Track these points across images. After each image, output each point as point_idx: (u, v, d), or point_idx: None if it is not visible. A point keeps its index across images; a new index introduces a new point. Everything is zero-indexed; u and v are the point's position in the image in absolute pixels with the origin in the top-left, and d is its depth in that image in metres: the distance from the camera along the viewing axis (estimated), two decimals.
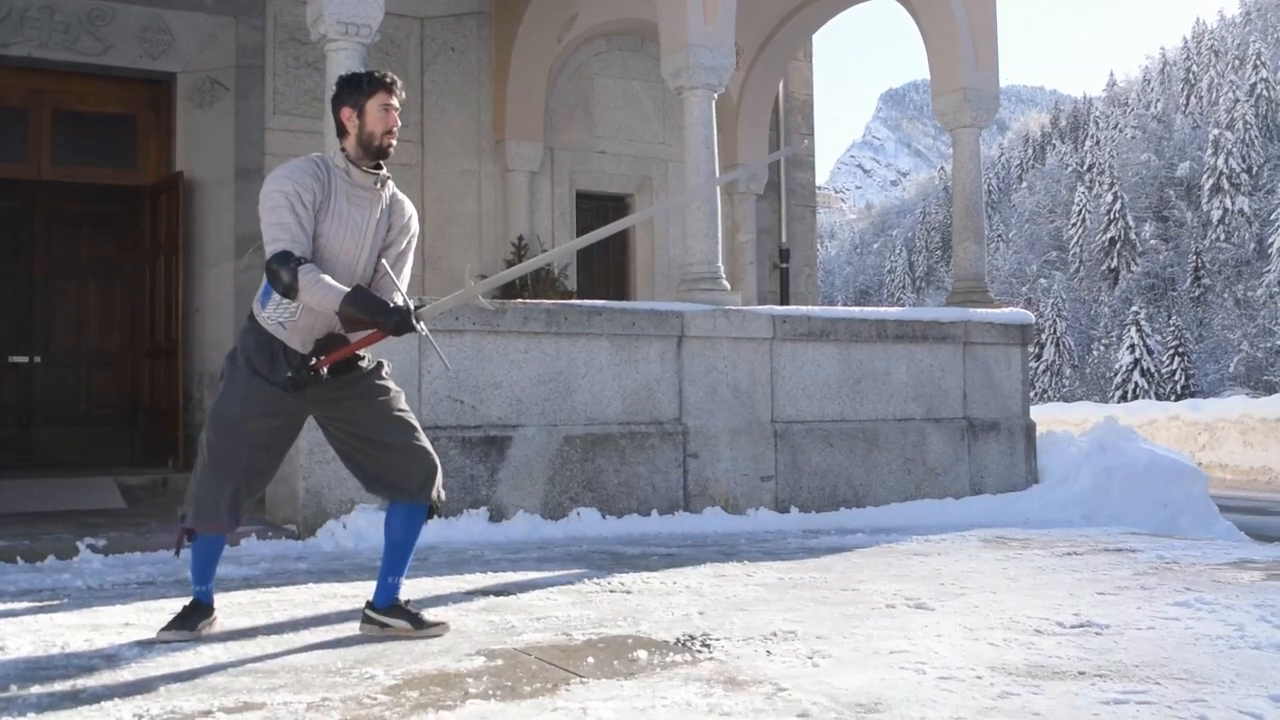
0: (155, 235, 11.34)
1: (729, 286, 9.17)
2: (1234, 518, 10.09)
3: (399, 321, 3.92)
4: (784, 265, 14.47)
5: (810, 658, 3.85)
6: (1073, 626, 4.39)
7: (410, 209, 4.31)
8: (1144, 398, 55.85)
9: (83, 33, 10.96)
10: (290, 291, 3.88)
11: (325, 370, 4.05)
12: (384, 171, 4.20)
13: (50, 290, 11.55)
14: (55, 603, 4.95)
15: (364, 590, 5.24)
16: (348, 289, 3.91)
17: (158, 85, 11.53)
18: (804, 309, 9.58)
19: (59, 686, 3.43)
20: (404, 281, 4.17)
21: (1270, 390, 47.32)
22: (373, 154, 4.15)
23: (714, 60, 9.10)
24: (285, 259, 3.88)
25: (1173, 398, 51.12)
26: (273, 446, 4.17)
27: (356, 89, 4.16)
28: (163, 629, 4.13)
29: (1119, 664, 3.76)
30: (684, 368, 8.55)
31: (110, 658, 3.82)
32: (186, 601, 4.25)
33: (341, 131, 4.18)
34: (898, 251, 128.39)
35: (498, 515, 7.68)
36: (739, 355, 8.77)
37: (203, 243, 11.26)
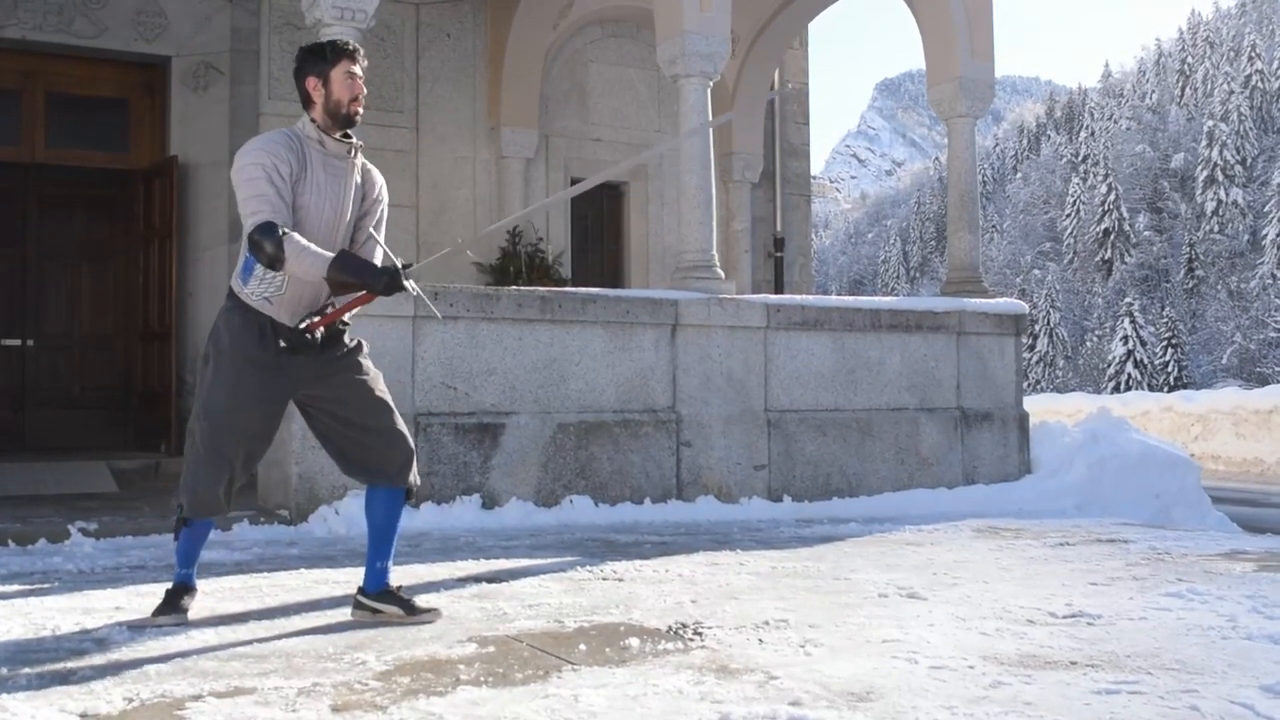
0: (149, 219, 11.31)
1: (723, 275, 9.16)
2: (1226, 509, 10.11)
3: (389, 281, 3.88)
4: (779, 254, 14.46)
5: (802, 646, 3.85)
6: (1065, 616, 4.40)
7: (380, 180, 4.32)
8: (1137, 389, 56.01)
9: (77, 15, 10.92)
10: (276, 262, 3.84)
11: (319, 334, 4.03)
12: (355, 140, 4.20)
13: (43, 273, 11.52)
14: (46, 586, 4.94)
15: (356, 576, 5.23)
16: (333, 254, 3.89)
17: (152, 69, 11.49)
18: (798, 298, 9.58)
19: (49, 669, 3.42)
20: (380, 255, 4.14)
21: (1263, 382, 47.40)
22: (340, 122, 4.13)
23: (709, 48, 9.08)
24: (269, 229, 3.84)
25: (1166, 389, 51.25)
26: (264, 432, 4.16)
27: (320, 58, 4.14)
28: (155, 614, 4.12)
29: (1111, 654, 3.76)
30: (678, 356, 8.54)
31: (101, 641, 3.81)
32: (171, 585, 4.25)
33: (307, 102, 4.15)
34: (892, 241, 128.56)
35: (490, 502, 7.67)
36: (733, 344, 8.76)
37: (196, 227, 11.23)
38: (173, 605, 4.15)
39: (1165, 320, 65.24)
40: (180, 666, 3.48)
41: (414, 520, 7.15)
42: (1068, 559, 6.08)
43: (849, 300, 9.50)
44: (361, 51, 4.24)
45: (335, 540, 6.62)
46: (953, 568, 5.72)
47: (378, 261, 4.04)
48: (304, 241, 3.88)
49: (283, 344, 4.01)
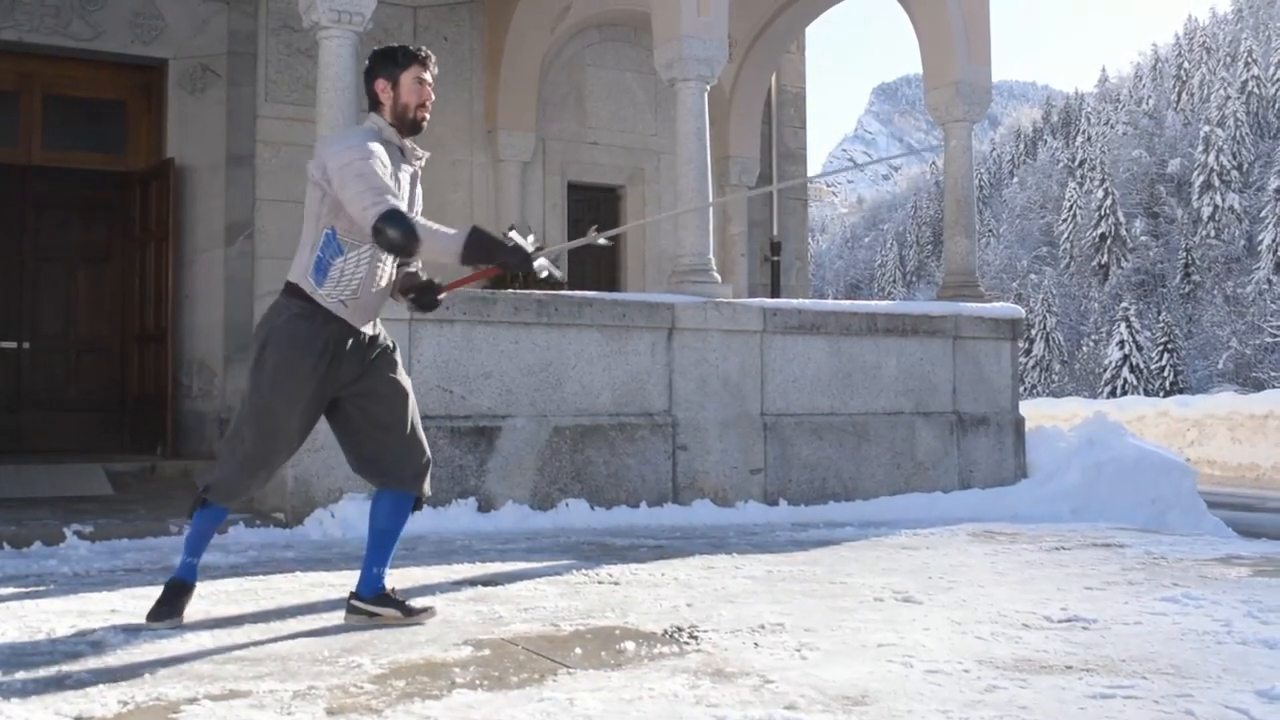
0: (145, 221, 11.30)
1: (720, 279, 9.16)
2: (1222, 514, 10.11)
3: (522, 260, 3.88)
4: (775, 258, 14.46)
5: (798, 650, 3.85)
6: (1060, 621, 4.40)
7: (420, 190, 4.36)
8: (1133, 394, 56.01)
9: (74, 17, 10.91)
10: (406, 249, 3.82)
11: (443, 298, 4.16)
12: (421, 151, 4.24)
13: (39, 276, 11.50)
14: (41, 589, 4.93)
15: (352, 579, 5.22)
16: (459, 233, 3.86)
17: (149, 71, 11.49)
18: (795, 302, 9.58)
19: (44, 673, 3.42)
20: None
21: (1259, 387, 47.48)
22: (408, 127, 4.15)
23: (707, 52, 9.09)
24: (397, 217, 3.80)
25: (1162, 394, 51.25)
26: (305, 432, 4.16)
27: (391, 61, 4.16)
28: (150, 617, 4.11)
29: (1106, 658, 3.76)
30: (674, 359, 8.54)
31: (96, 644, 3.81)
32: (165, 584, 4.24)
33: (375, 104, 4.17)
34: (889, 245, 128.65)
35: (486, 505, 7.67)
36: (729, 347, 8.76)
37: (193, 229, 11.23)
38: (170, 606, 4.13)
39: (1161, 325, 65.28)
40: (175, 669, 3.48)
41: (410, 523, 7.09)
42: (1063, 563, 6.08)
43: (845, 304, 9.51)
44: (434, 59, 4.26)
45: (331, 543, 6.62)
46: (948, 572, 5.73)
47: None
48: (431, 224, 3.88)
49: (413, 296, 4.11)
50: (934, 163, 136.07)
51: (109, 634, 3.96)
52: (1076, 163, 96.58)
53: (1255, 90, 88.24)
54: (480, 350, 7.87)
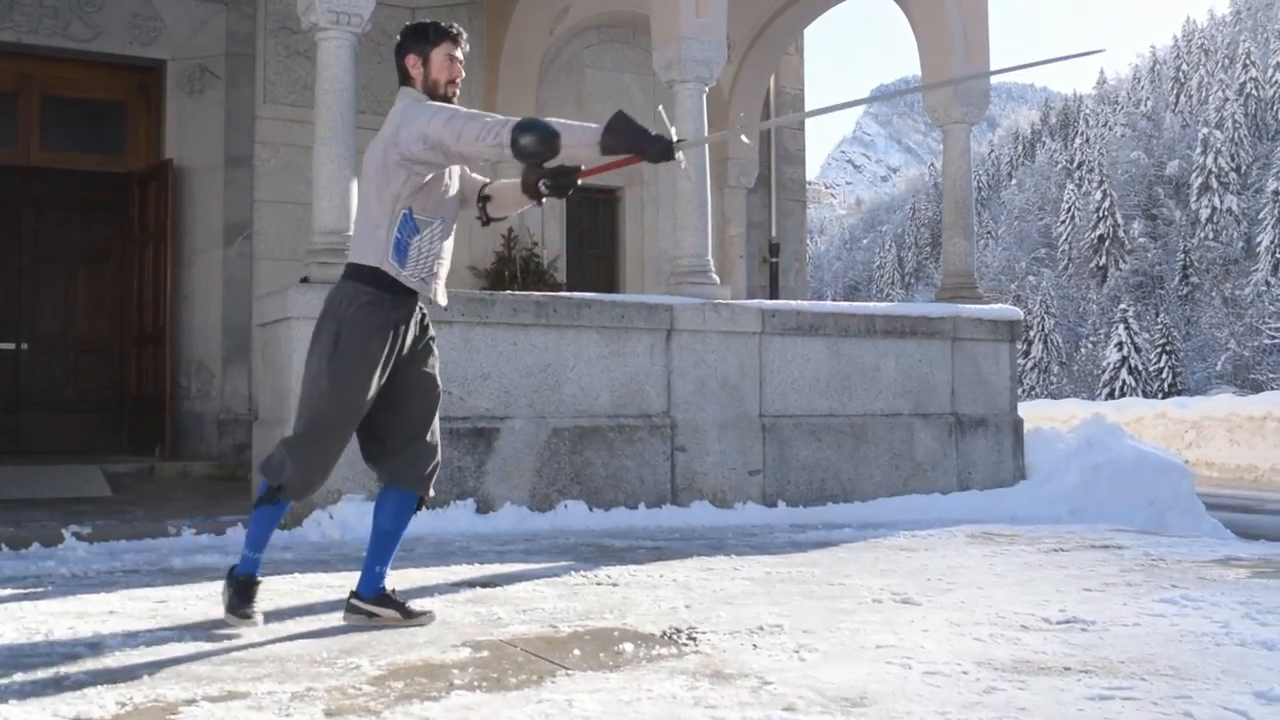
0: (144, 222, 11.30)
1: (718, 280, 9.16)
2: (1220, 515, 10.12)
3: (664, 149, 3.85)
4: (774, 260, 14.47)
5: (796, 651, 3.85)
6: (1059, 622, 4.40)
7: None
8: (1131, 395, 56.08)
9: (73, 18, 10.91)
10: (553, 148, 3.79)
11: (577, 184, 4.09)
12: None
13: (38, 276, 11.50)
14: (39, 590, 4.93)
15: (350, 580, 5.22)
16: (596, 127, 3.84)
17: (148, 72, 11.49)
18: (793, 303, 9.58)
19: (42, 674, 3.42)
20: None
21: (1257, 388, 47.52)
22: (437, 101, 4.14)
23: (705, 53, 9.09)
24: (531, 124, 3.80)
25: (1160, 395, 51.30)
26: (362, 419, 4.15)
27: (422, 37, 4.18)
28: (230, 610, 4.06)
29: (1104, 660, 3.76)
30: (673, 361, 8.54)
31: (94, 645, 3.80)
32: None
33: (405, 78, 4.19)
34: (887, 247, 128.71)
35: (485, 507, 7.67)
36: (728, 349, 8.76)
37: (192, 230, 11.23)
38: (245, 598, 4.08)
39: (1160, 327, 65.33)
40: (174, 671, 3.47)
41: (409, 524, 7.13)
42: (1062, 565, 6.08)
43: (844, 306, 9.50)
44: (465, 36, 4.27)
45: (329, 545, 6.62)
46: (947, 573, 5.73)
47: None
48: (561, 120, 3.87)
49: (550, 184, 4.03)
50: (932, 165, 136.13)
51: (107, 636, 3.96)
52: (1075, 164, 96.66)
53: (1253, 92, 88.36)
54: (479, 351, 7.87)
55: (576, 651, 3.82)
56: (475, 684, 3.37)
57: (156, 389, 10.98)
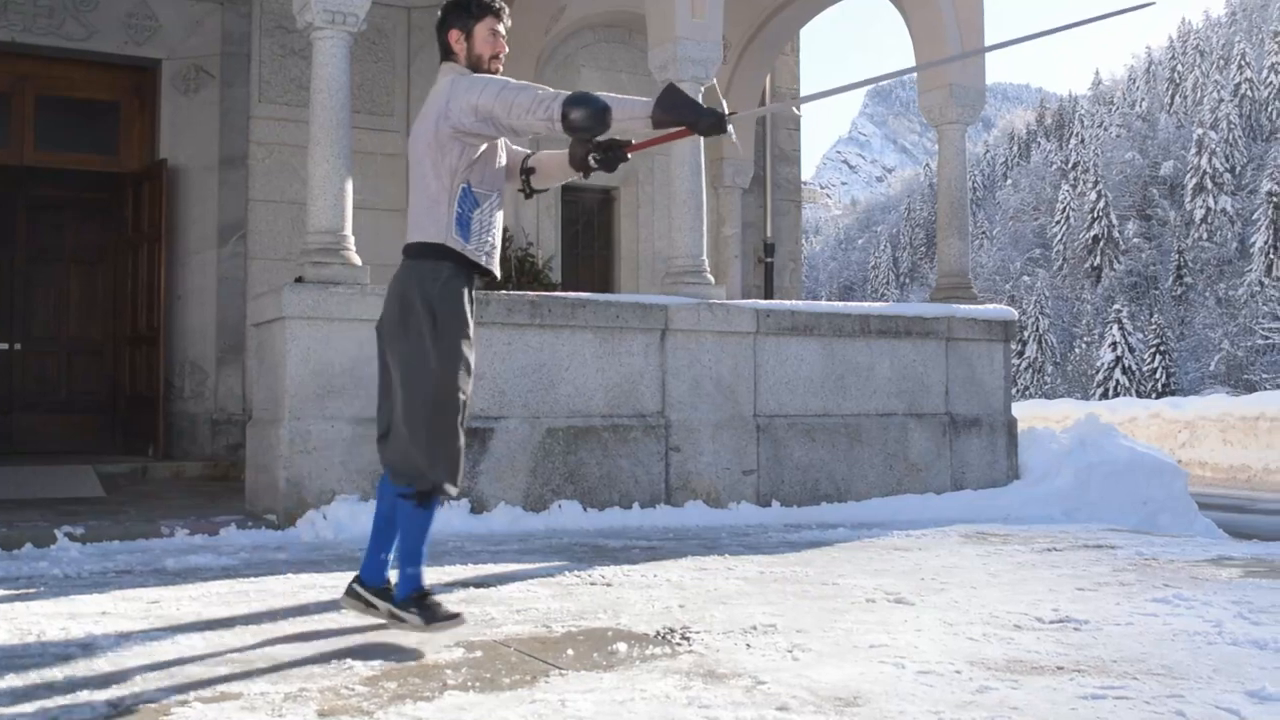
0: (138, 222, 11.28)
1: (713, 280, 9.16)
2: (1213, 515, 10.13)
3: (714, 122, 3.85)
4: (769, 260, 14.47)
5: (790, 651, 3.85)
6: (1052, 622, 4.41)
7: None
8: (1125, 395, 56.15)
9: (67, 18, 10.89)
10: (604, 122, 3.80)
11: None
12: None
13: (31, 276, 11.49)
14: (31, 591, 4.92)
15: (344, 581, 5.21)
16: (646, 100, 3.85)
17: (143, 72, 11.47)
18: (788, 303, 9.58)
19: (34, 676, 3.41)
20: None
21: (1250, 389, 47.58)
22: None
23: (701, 53, 9.09)
24: (581, 98, 3.81)
25: (1154, 395, 51.37)
26: None
27: (465, 12, 4.15)
28: (441, 625, 3.93)
29: (1097, 659, 3.77)
30: (667, 361, 8.54)
31: (86, 647, 3.80)
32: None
33: (447, 54, 4.16)
34: (882, 247, 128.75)
35: (479, 507, 7.66)
36: (722, 349, 8.76)
37: (186, 230, 11.22)
38: (435, 611, 3.95)
39: (1153, 327, 65.41)
40: (166, 672, 3.47)
41: None
42: (1055, 564, 6.09)
43: (839, 306, 9.51)
44: (508, 10, 4.24)
45: (323, 545, 6.61)
46: (940, 573, 5.73)
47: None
48: (612, 94, 3.87)
49: (599, 158, 4.03)
50: (927, 165, 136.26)
51: (99, 637, 3.95)
52: (1070, 165, 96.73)
53: (1248, 93, 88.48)
54: (473, 351, 7.85)
55: (570, 651, 3.82)
56: (469, 684, 3.37)
57: (150, 389, 10.96)
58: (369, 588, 4.18)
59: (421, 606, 3.95)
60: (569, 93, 3.84)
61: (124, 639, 3.91)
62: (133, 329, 11.35)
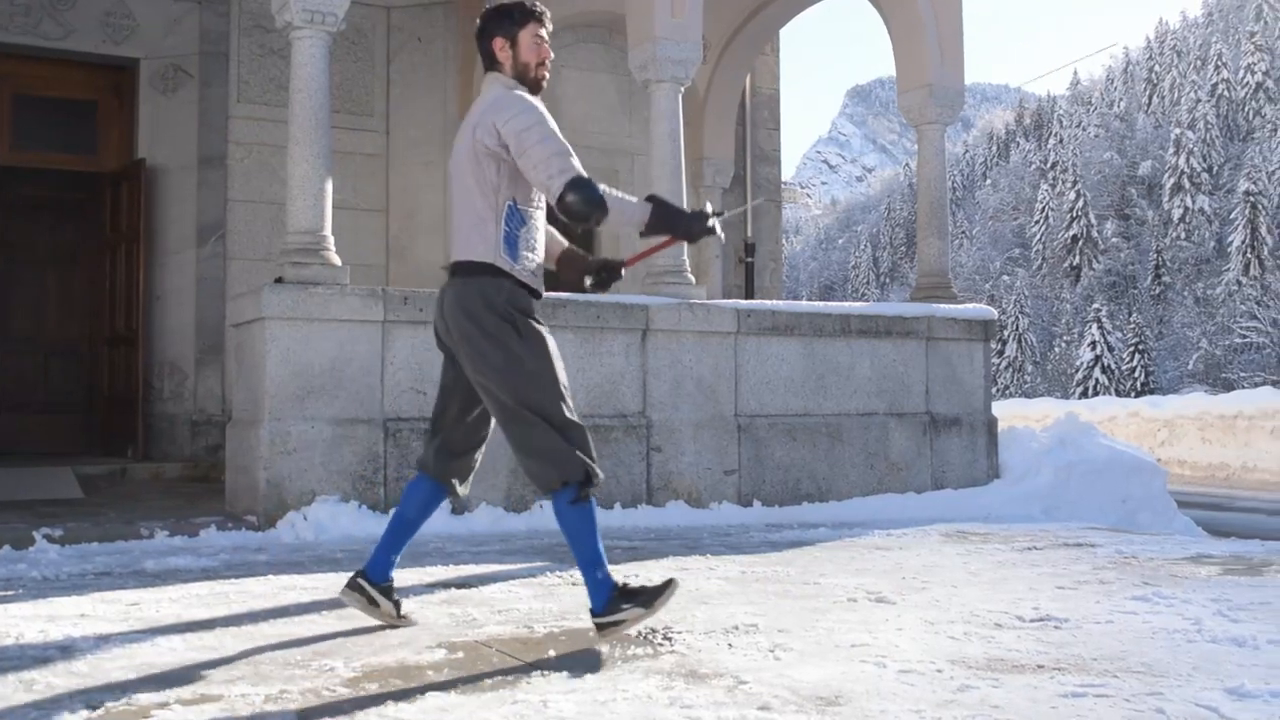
0: (116, 222, 11.23)
1: (694, 280, 9.17)
2: (1192, 513, 10.19)
3: (702, 227, 3.88)
4: (749, 260, 14.48)
5: (772, 651, 3.85)
6: (1032, 620, 4.42)
7: None
8: (1104, 394, 56.40)
9: (44, 16, 10.82)
10: (595, 219, 3.79)
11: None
12: None
13: (9, 277, 11.43)
14: (9, 593, 4.89)
15: (324, 582, 5.21)
16: (642, 203, 3.85)
17: (120, 71, 11.41)
18: (769, 303, 9.59)
19: (11, 678, 3.38)
20: None
21: (1229, 387, 47.84)
22: (528, 86, 4.08)
23: (681, 53, 9.09)
24: (586, 186, 3.76)
25: (1133, 394, 51.60)
26: None
27: (509, 19, 4.09)
28: (659, 604, 3.91)
29: (1077, 657, 3.78)
30: (648, 361, 8.54)
31: (65, 649, 3.78)
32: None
33: (492, 62, 4.10)
34: (862, 247, 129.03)
35: (460, 508, 7.64)
36: (703, 349, 8.77)
37: (164, 230, 11.16)
38: (638, 596, 3.92)
39: (1132, 326, 65.72)
40: (146, 673, 3.45)
41: (382, 526, 7.08)
42: (1035, 563, 6.11)
43: (819, 305, 9.52)
44: (549, 15, 4.20)
45: (303, 546, 6.59)
46: (921, 572, 5.74)
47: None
48: (616, 191, 3.85)
49: (593, 283, 4.08)
50: (907, 165, 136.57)
51: (78, 639, 3.93)
52: (1049, 165, 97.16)
53: (1225, 93, 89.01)
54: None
55: (552, 652, 3.82)
56: (450, 685, 3.36)
57: (129, 390, 10.90)
58: (375, 584, 4.14)
59: (630, 597, 3.91)
60: (576, 173, 3.79)
61: (103, 641, 3.89)
62: (111, 329, 11.29)
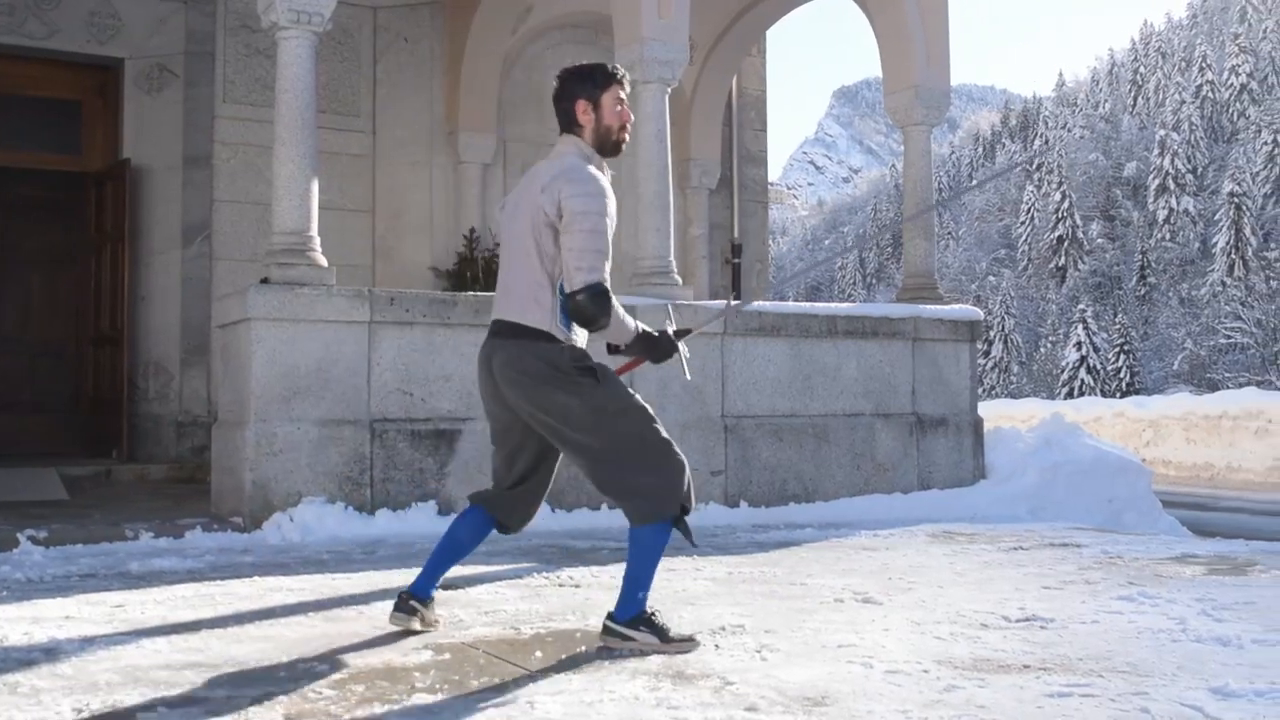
0: (101, 223, 11.18)
1: (680, 281, 9.16)
2: (1177, 513, 10.22)
3: (667, 350, 4.01)
4: (736, 260, 14.49)
5: (758, 652, 3.86)
6: (1018, 620, 4.43)
7: None
8: (1090, 394, 56.51)
9: (29, 16, 10.77)
10: (595, 328, 3.83)
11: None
12: None
13: None
14: None
15: (311, 584, 5.20)
16: (637, 330, 3.93)
17: (105, 71, 11.37)
18: (756, 304, 9.60)
19: None
20: None
21: (1213, 388, 48.02)
22: (608, 149, 4.04)
23: (668, 54, 9.09)
24: (604, 298, 3.77)
25: (1118, 395, 51.75)
26: None
27: (591, 81, 4.02)
28: (681, 647, 3.86)
29: (1063, 657, 3.80)
30: None
31: (50, 651, 3.76)
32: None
33: (572, 124, 4.03)
34: (849, 247, 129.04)
35: (446, 508, 7.63)
36: (690, 349, 8.73)
37: (150, 230, 11.12)
38: (666, 632, 3.89)
39: (1118, 327, 65.90)
40: (131, 676, 3.44)
41: (369, 527, 7.11)
42: (1021, 563, 6.13)
43: (806, 306, 9.53)
44: (629, 77, 4.15)
45: (289, 548, 6.57)
46: (908, 572, 5.76)
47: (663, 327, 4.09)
48: (621, 311, 3.87)
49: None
50: (894, 166, 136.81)
51: (63, 641, 3.91)
52: (1034, 166, 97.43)
53: (1209, 95, 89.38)
54: (440, 353, 7.84)
55: (539, 653, 3.82)
56: (437, 687, 3.35)
57: (114, 391, 10.86)
58: (423, 601, 4.11)
59: (652, 626, 3.88)
60: (601, 280, 3.77)
61: (88, 643, 3.88)
62: (96, 330, 11.25)
